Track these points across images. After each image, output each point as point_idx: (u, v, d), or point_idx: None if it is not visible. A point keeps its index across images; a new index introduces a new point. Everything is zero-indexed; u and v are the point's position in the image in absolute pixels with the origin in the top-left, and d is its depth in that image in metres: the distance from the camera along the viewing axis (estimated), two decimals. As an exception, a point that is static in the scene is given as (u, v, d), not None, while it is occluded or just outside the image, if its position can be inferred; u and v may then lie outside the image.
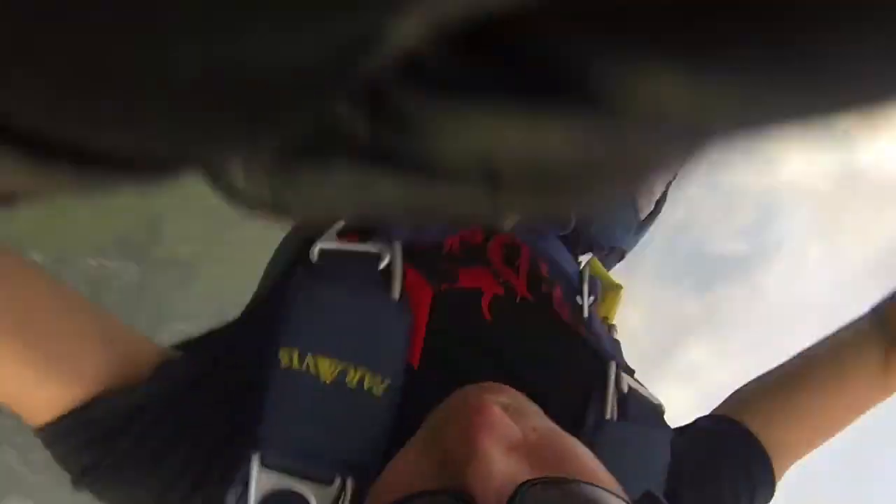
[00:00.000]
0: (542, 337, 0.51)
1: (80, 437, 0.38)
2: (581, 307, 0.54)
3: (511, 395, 0.39)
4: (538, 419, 0.38)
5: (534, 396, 0.40)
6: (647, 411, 0.52)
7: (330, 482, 0.40)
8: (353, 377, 0.42)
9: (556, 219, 0.56)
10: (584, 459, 0.36)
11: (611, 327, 0.61)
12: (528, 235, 0.54)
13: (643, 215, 0.72)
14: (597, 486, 0.33)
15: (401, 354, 0.44)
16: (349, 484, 0.40)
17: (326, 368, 0.42)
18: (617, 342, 0.59)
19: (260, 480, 0.39)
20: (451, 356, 0.46)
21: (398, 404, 0.42)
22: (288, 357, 0.41)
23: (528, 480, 0.32)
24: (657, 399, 0.52)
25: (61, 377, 0.37)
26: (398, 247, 0.46)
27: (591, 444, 0.39)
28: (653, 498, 0.37)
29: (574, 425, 0.45)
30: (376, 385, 0.42)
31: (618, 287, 0.65)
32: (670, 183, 0.71)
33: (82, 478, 0.39)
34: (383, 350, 0.44)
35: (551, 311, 0.52)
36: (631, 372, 0.53)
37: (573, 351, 0.52)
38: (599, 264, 0.64)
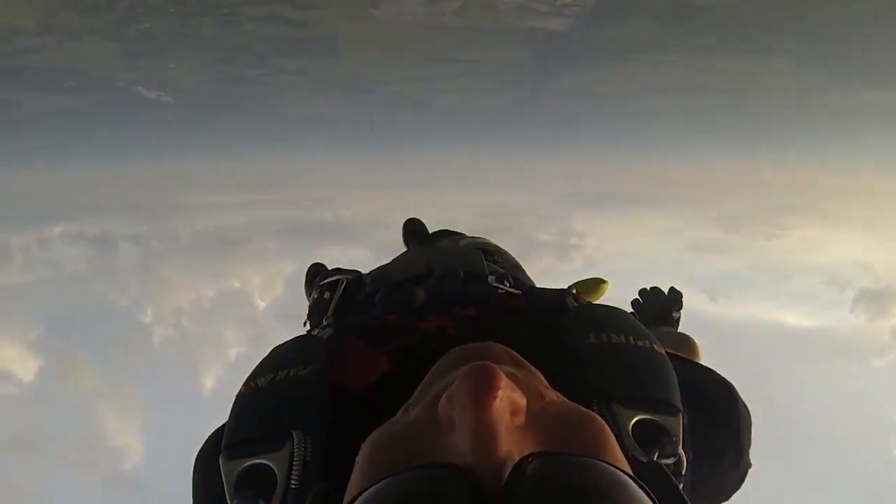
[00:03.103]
0: (506, 320, 0.66)
1: None
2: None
3: (514, 357, 0.39)
4: (544, 386, 0.38)
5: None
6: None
7: (279, 447, 0.51)
8: (281, 376, 0.59)
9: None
10: (592, 430, 0.35)
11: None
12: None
13: None
14: (603, 461, 0.31)
15: (321, 351, 0.61)
16: (298, 441, 0.51)
17: (263, 381, 0.59)
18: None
19: (227, 469, 0.52)
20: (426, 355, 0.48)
21: (330, 381, 0.57)
22: (243, 388, 0.60)
23: (530, 455, 0.30)
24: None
25: None
26: (332, 329, 0.68)
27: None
28: (655, 466, 0.37)
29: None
30: (300, 371, 0.59)
31: (602, 282, 0.93)
32: None
33: None
34: (306, 356, 0.61)
35: (501, 303, 0.68)
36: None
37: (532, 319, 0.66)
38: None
